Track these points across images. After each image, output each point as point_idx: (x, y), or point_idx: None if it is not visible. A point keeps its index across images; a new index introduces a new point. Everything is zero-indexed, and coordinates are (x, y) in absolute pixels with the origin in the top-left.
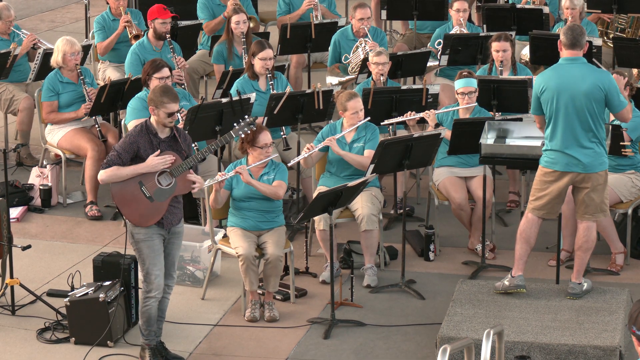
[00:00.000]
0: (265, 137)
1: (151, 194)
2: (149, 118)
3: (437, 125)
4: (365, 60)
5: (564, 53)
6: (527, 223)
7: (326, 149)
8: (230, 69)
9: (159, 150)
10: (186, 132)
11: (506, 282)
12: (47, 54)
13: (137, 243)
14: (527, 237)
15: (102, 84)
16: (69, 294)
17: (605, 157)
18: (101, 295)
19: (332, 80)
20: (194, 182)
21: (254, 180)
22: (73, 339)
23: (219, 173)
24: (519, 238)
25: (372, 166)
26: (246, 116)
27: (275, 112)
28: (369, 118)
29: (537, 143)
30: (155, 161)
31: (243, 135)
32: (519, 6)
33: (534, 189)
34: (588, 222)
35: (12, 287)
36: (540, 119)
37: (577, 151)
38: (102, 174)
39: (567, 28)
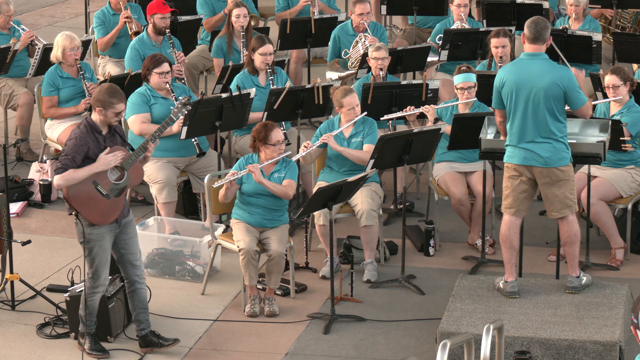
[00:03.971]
0: (277, 134)
1: (107, 191)
2: (90, 116)
3: (436, 120)
4: (365, 55)
5: (526, 47)
6: (504, 226)
7: (325, 144)
8: (230, 64)
9: (108, 148)
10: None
11: (501, 285)
12: (47, 49)
13: (88, 242)
14: (509, 241)
15: (102, 79)
16: (69, 289)
17: (566, 152)
18: None
19: (332, 75)
20: (146, 158)
21: (266, 180)
22: (73, 334)
23: (231, 171)
24: (501, 243)
25: (371, 161)
26: (180, 97)
27: (275, 107)
28: (365, 113)
29: None
30: (109, 158)
31: (182, 117)
32: (519, 1)
33: (503, 187)
34: (562, 218)
35: (12, 282)
36: (501, 113)
37: (534, 145)
38: (59, 179)
39: (531, 21)
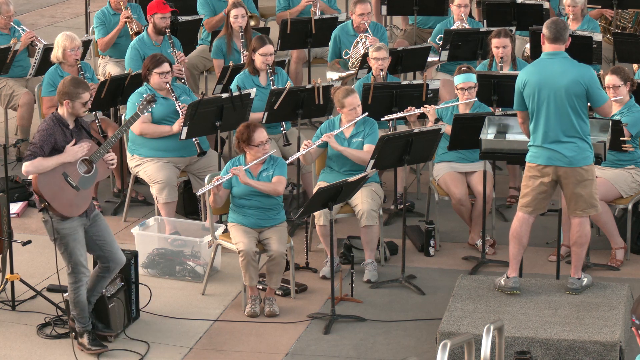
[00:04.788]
0: (261, 135)
1: (77, 183)
2: (56, 110)
3: (437, 121)
4: (365, 55)
5: (546, 47)
6: (517, 222)
7: (325, 144)
8: (231, 64)
9: (74, 140)
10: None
11: (502, 282)
12: (47, 50)
13: (63, 238)
14: (519, 237)
15: (102, 79)
16: None
17: (589, 152)
18: None
19: (332, 75)
20: (111, 160)
21: (252, 180)
22: (73, 334)
23: (215, 177)
24: (511, 238)
25: (372, 161)
26: (144, 94)
27: (275, 107)
28: (366, 114)
29: None
30: (75, 149)
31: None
32: (519, 1)
33: (521, 186)
34: (580, 217)
35: (12, 283)
36: (523, 115)
37: (559, 145)
38: (28, 166)
39: (551, 22)
